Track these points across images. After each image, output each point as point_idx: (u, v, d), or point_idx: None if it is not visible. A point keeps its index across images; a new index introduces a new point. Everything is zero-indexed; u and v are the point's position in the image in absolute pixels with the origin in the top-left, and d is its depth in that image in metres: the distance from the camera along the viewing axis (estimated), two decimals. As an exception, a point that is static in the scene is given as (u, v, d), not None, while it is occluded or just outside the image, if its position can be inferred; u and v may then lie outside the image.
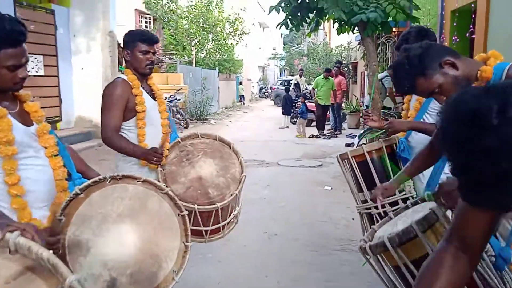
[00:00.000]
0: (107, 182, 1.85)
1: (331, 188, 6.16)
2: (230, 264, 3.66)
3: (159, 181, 2.61)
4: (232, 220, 2.79)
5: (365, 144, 2.64)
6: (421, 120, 2.63)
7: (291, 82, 26.84)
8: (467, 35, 6.41)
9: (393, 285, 1.58)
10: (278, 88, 28.00)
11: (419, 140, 2.64)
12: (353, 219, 4.74)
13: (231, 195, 2.60)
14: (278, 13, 7.33)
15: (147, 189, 1.93)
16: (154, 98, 2.73)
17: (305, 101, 13.51)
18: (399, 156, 2.54)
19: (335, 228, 4.52)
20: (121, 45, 2.71)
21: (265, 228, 4.50)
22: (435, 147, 2.09)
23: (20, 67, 1.62)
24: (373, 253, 1.55)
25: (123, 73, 2.64)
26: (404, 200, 2.43)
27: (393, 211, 2.35)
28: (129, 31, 2.69)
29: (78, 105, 9.32)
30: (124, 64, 2.73)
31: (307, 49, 28.83)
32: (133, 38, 2.60)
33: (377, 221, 2.25)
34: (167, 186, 2.59)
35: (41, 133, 1.76)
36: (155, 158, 2.49)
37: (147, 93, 2.68)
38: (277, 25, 7.70)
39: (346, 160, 2.58)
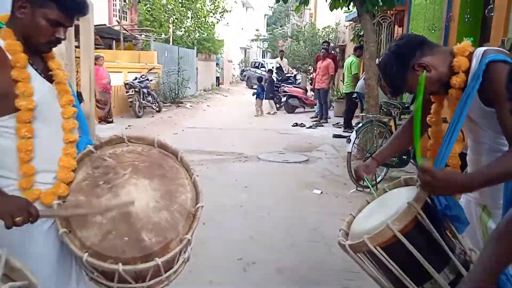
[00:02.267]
0: None
1: (321, 192, 5.15)
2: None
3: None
4: (181, 265, 1.74)
5: (377, 222, 1.56)
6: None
7: (264, 63, 26.33)
8: (486, 12, 5.41)
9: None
10: (249, 70, 27.98)
11: None
12: (350, 236, 3.75)
13: (181, 241, 1.56)
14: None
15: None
16: (50, 81, 1.61)
17: (283, 84, 13.72)
18: (444, 215, 1.50)
19: (330, 253, 3.50)
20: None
21: (241, 251, 3.46)
22: None
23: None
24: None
25: None
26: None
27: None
28: None
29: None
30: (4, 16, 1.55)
31: (291, 31, 27.64)
32: None
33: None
34: (70, 231, 1.54)
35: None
36: (18, 219, 1.36)
37: (40, 74, 1.56)
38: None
39: (365, 251, 1.54)
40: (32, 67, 1.54)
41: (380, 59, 1.82)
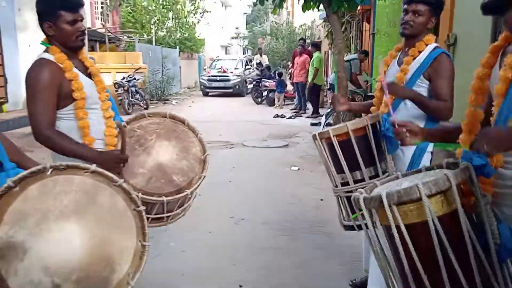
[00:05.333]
0: (48, 173, 1.55)
1: (298, 169, 6.02)
2: (195, 254, 3.42)
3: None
4: (194, 198, 2.54)
5: (341, 124, 2.39)
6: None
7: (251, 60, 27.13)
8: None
9: (380, 247, 1.40)
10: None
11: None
12: (321, 199, 4.62)
13: (199, 178, 2.35)
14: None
15: (97, 182, 1.66)
16: (89, 76, 2.31)
17: (264, 80, 14.79)
18: (383, 135, 2.31)
19: (305, 210, 4.37)
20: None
21: (232, 212, 4.29)
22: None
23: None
24: (365, 206, 1.32)
25: (47, 51, 2.16)
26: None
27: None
28: None
29: (27, 85, 8.63)
30: (46, 39, 2.21)
31: (270, 28, 28.46)
32: (52, 8, 2.12)
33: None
34: (125, 182, 2.32)
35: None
36: (120, 166, 2.11)
37: (81, 72, 2.25)
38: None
39: (325, 139, 2.35)
40: (77, 70, 2.21)
41: None
